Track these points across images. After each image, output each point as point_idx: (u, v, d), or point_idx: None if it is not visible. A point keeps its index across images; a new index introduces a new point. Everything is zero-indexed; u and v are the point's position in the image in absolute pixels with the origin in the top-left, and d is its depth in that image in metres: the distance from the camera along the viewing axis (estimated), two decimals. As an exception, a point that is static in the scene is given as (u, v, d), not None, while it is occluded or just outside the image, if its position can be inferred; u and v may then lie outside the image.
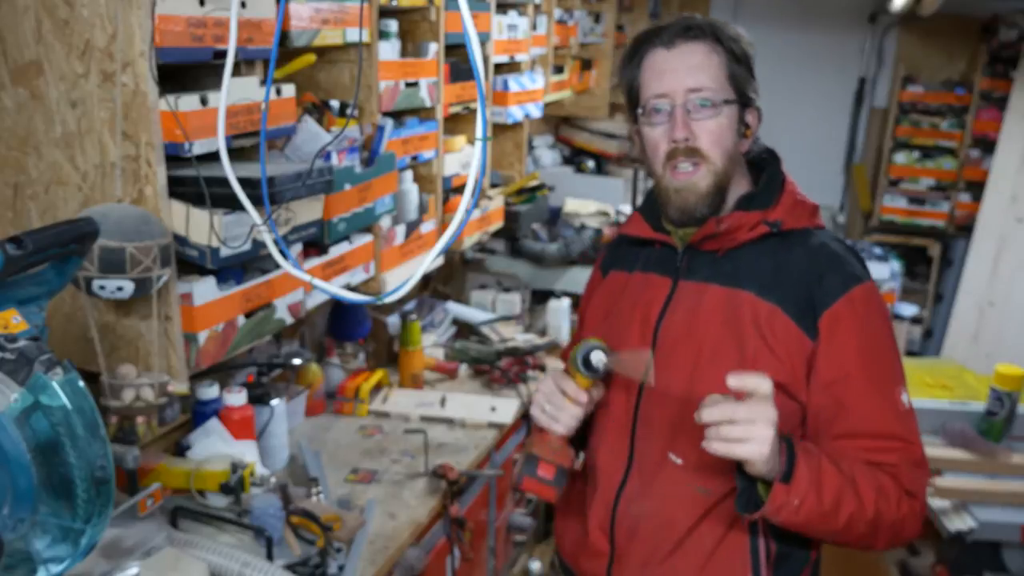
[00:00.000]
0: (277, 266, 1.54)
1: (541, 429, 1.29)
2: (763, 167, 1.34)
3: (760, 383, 1.08)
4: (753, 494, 1.14)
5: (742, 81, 1.27)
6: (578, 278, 3.23)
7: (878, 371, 1.22)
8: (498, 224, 2.80)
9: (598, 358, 1.21)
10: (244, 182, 1.38)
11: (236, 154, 1.47)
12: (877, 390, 1.21)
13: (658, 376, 1.28)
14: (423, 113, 2.23)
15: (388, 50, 1.98)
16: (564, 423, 1.26)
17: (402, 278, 2.06)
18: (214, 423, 1.77)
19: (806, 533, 1.19)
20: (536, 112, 2.90)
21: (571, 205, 3.61)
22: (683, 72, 1.24)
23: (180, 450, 1.77)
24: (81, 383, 0.96)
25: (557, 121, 4.25)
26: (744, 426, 1.06)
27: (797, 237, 1.28)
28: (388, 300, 1.32)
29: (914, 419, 1.24)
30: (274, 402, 1.93)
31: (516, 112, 2.76)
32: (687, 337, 1.27)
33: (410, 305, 2.86)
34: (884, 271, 4.40)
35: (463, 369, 2.61)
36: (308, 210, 1.66)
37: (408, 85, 2.07)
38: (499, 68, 2.75)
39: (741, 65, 1.27)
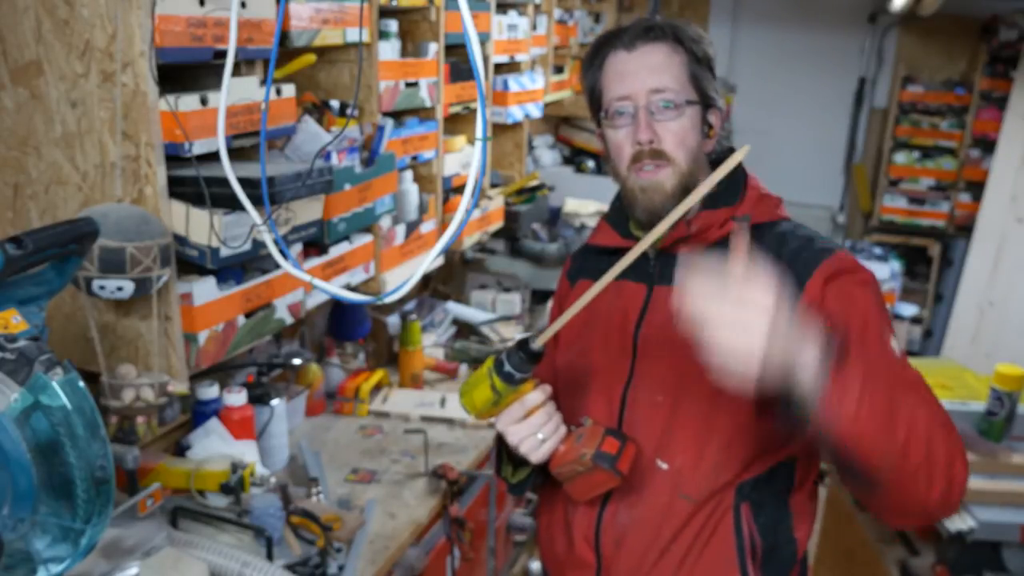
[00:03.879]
0: (277, 266, 1.54)
1: (554, 458, 1.19)
2: None
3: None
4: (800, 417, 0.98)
5: (704, 82, 1.25)
6: (578, 278, 3.22)
7: (866, 326, 1.16)
8: (498, 224, 2.80)
9: (534, 346, 1.09)
10: (244, 182, 1.38)
11: (236, 154, 1.47)
12: (873, 342, 1.15)
13: (642, 383, 1.26)
14: (423, 113, 2.23)
15: (388, 50, 1.99)
16: (560, 425, 1.19)
17: (402, 278, 2.07)
18: (214, 423, 1.77)
19: (862, 454, 0.98)
20: (536, 112, 2.91)
21: (571, 205, 3.61)
22: (645, 73, 1.23)
23: (180, 450, 1.77)
24: (81, 383, 0.96)
25: (557, 121, 4.25)
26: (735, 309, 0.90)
27: (765, 230, 1.27)
28: (388, 300, 1.32)
29: (905, 366, 1.14)
30: (274, 402, 1.93)
31: (516, 112, 2.76)
32: (669, 342, 1.24)
33: (410, 305, 2.86)
34: (884, 271, 4.40)
35: (463, 369, 2.61)
36: (308, 210, 1.66)
37: (408, 85, 2.07)
38: (499, 68, 2.75)
39: (702, 66, 1.25)
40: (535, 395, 1.17)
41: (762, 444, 1.23)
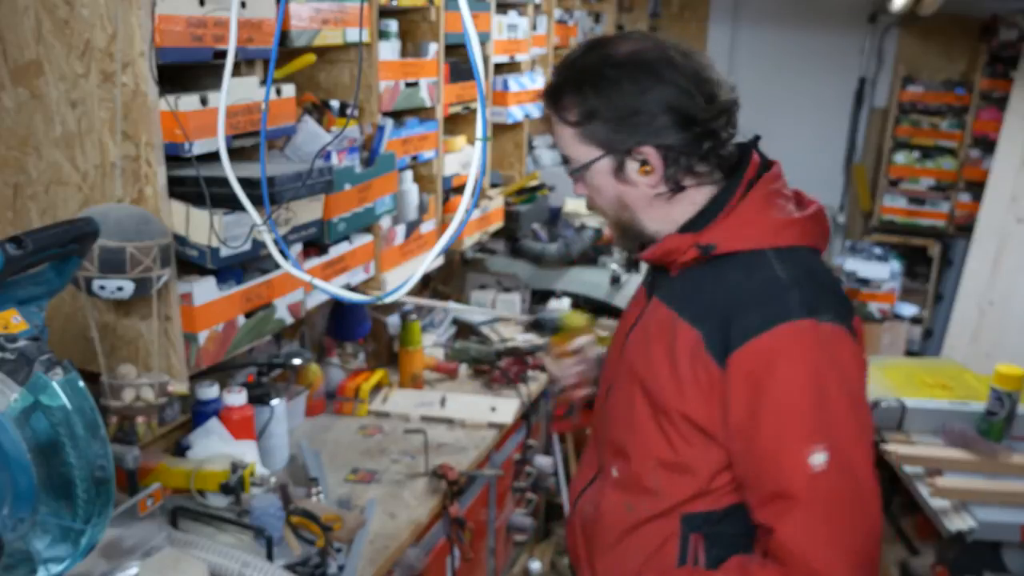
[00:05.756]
0: (277, 266, 1.54)
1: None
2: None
3: None
4: None
5: (603, 134, 1.17)
6: (578, 278, 3.22)
7: (782, 426, 1.08)
8: (498, 224, 2.80)
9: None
10: (244, 182, 1.38)
11: (236, 154, 1.47)
12: (779, 447, 1.08)
13: (619, 386, 1.30)
14: (423, 113, 2.23)
15: (388, 50, 1.98)
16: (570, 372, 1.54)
17: (402, 278, 2.07)
18: (214, 423, 1.77)
19: None
20: (536, 112, 2.90)
21: (571, 205, 3.61)
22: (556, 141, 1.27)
23: (180, 450, 1.77)
24: (81, 383, 0.96)
25: (557, 121, 4.24)
26: None
27: (742, 261, 1.16)
28: (388, 300, 1.32)
29: (832, 485, 1.06)
30: (274, 402, 1.93)
31: (516, 112, 2.76)
32: (642, 355, 1.24)
33: (410, 305, 2.86)
34: (884, 271, 4.40)
35: (463, 369, 2.61)
36: (308, 210, 1.66)
37: (408, 85, 2.07)
38: (499, 68, 2.75)
39: (596, 119, 1.16)
40: (557, 351, 1.57)
41: (708, 481, 1.18)
